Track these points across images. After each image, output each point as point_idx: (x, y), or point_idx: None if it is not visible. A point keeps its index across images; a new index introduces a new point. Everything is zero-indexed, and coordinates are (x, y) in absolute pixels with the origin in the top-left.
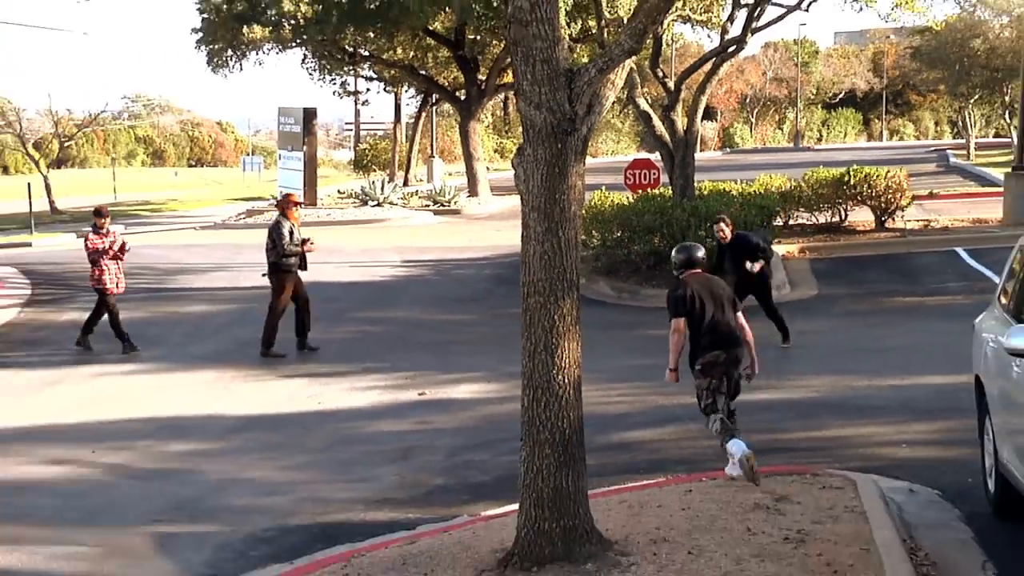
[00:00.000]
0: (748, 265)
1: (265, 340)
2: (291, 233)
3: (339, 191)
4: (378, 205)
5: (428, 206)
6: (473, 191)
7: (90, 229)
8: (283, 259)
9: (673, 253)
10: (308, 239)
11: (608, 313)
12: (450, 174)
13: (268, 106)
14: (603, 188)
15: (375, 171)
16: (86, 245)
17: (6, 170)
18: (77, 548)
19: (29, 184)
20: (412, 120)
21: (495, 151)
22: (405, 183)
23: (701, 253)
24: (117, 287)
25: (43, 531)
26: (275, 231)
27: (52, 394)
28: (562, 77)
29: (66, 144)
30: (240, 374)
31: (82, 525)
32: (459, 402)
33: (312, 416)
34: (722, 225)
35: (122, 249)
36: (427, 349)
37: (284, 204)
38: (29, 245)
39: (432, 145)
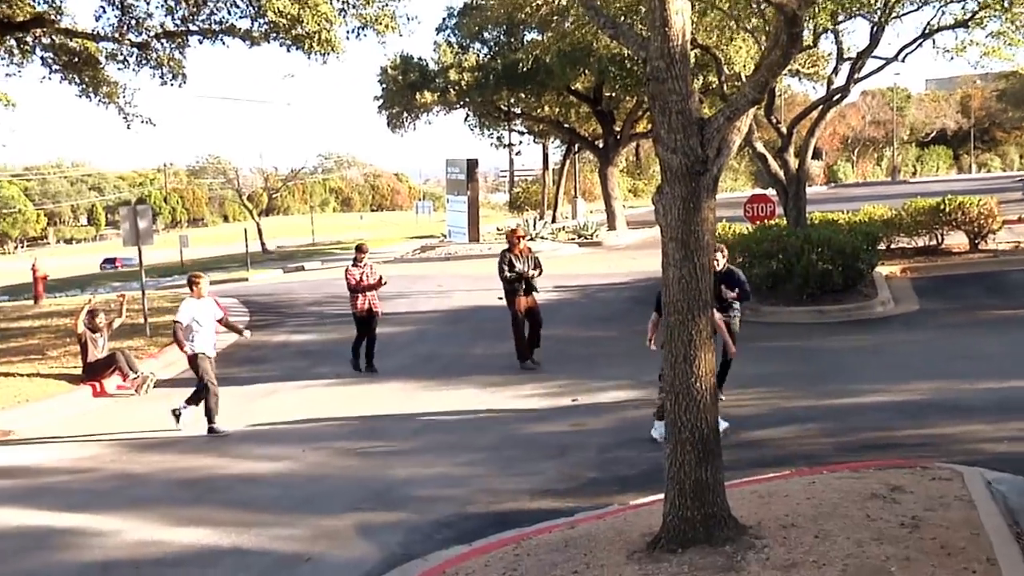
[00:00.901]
0: (723, 291)
1: (518, 352)
2: (510, 263)
3: (497, 228)
4: (531, 239)
5: (573, 239)
6: (612, 225)
7: (350, 263)
8: (507, 283)
9: None
10: (526, 270)
11: (773, 331)
12: (591, 211)
13: (436, 158)
14: (724, 220)
15: (527, 210)
16: (346, 277)
17: (226, 219)
18: (293, 531)
19: (245, 230)
20: (558, 166)
21: (629, 191)
22: (553, 220)
23: None
24: (371, 312)
25: (265, 516)
26: (499, 261)
27: (270, 403)
28: (694, 125)
29: (273, 196)
30: (421, 385)
31: (296, 512)
32: (607, 406)
33: (482, 419)
34: (718, 256)
35: (379, 282)
36: (578, 361)
37: (509, 236)
38: (246, 280)
39: (575, 187)
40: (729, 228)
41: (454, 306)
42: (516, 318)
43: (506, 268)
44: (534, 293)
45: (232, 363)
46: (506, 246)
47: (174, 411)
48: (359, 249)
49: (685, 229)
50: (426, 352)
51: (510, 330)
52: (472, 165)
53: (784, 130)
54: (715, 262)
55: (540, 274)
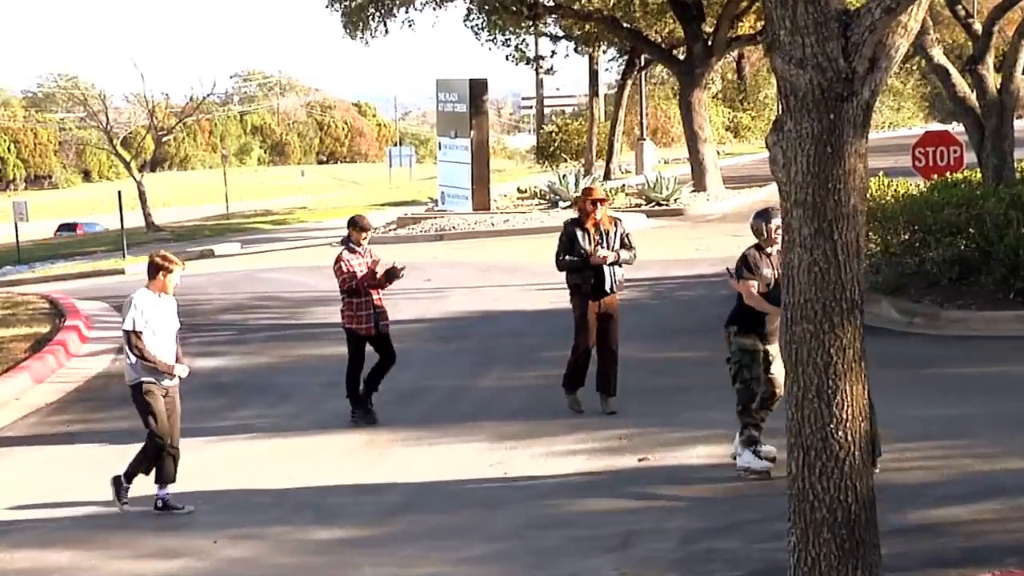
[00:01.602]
0: None
1: (567, 380)
2: (569, 242)
3: (519, 190)
4: (571, 207)
5: (639, 206)
6: (699, 184)
7: (342, 245)
8: (568, 273)
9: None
10: (597, 253)
11: (895, 345)
12: (666, 162)
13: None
14: (881, 174)
15: (565, 161)
16: (339, 268)
17: (88, 175)
18: None
19: (119, 193)
20: (614, 91)
21: (727, 129)
22: (606, 176)
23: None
24: (380, 324)
25: None
26: (560, 239)
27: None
28: (834, 23)
29: (163, 139)
30: (398, 436)
31: None
32: (694, 469)
33: (497, 490)
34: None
35: (391, 274)
36: (646, 398)
37: (580, 203)
38: (121, 272)
39: (641, 124)
40: (889, 186)
41: (450, 313)
42: (580, 332)
43: (562, 252)
44: (614, 293)
45: (104, 403)
46: (573, 215)
47: (116, 482)
48: (357, 225)
49: (819, 188)
50: (407, 385)
51: (545, 350)
52: (478, 89)
53: (978, 28)
54: (598, 211)
55: (631, 260)
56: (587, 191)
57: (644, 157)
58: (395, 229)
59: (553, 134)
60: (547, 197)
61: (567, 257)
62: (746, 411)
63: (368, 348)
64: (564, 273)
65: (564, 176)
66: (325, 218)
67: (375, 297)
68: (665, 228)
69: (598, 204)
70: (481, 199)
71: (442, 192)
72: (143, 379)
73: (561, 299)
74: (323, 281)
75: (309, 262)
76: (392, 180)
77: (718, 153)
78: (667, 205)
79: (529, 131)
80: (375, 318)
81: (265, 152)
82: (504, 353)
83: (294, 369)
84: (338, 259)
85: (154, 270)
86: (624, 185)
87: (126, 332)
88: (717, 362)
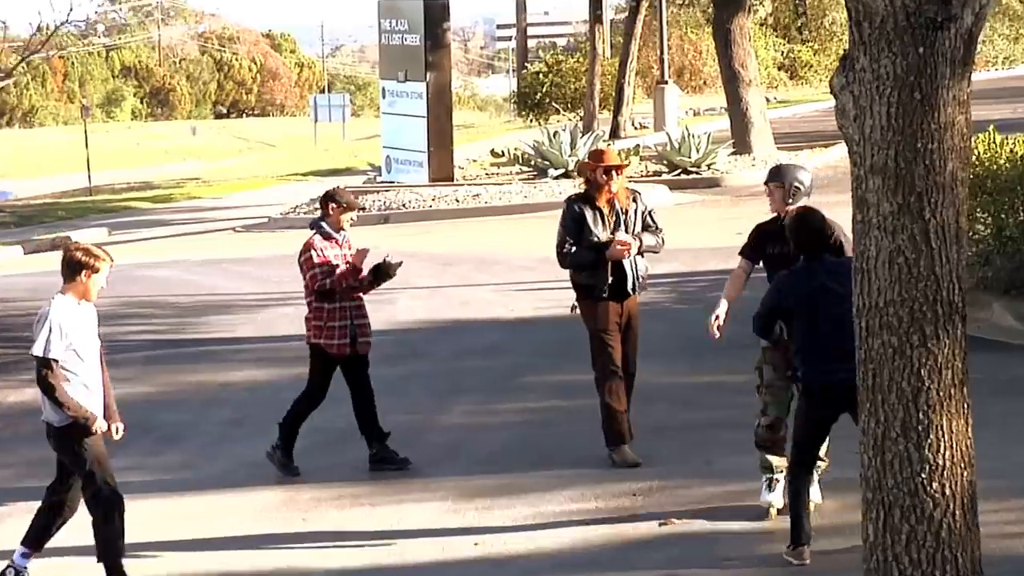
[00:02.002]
0: None
1: (609, 429)
2: (575, 225)
3: (493, 153)
4: (565, 175)
5: (659, 174)
6: (741, 143)
7: (313, 229)
8: (576, 271)
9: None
10: (624, 238)
11: (1010, 363)
12: (696, 113)
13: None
14: (992, 128)
15: (557, 114)
16: (308, 259)
17: None
18: None
19: None
20: (624, 16)
21: (780, 68)
22: (614, 133)
23: None
24: (357, 343)
25: None
26: (560, 221)
27: None
28: None
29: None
30: (328, 493)
31: None
32: (738, 537)
33: (469, 570)
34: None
35: (380, 272)
36: (670, 438)
37: (588, 168)
38: None
39: (662, 62)
40: (1001, 145)
41: (399, 323)
42: (601, 354)
43: (568, 239)
44: (636, 294)
45: None
46: (578, 191)
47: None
48: (336, 200)
49: (903, 148)
50: (339, 423)
51: (530, 373)
52: (437, 14)
53: None
54: (613, 182)
55: (658, 247)
56: (597, 154)
57: (666, 107)
58: (319, 209)
59: (540, 76)
60: (532, 163)
61: (574, 248)
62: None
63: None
64: (569, 271)
65: (556, 134)
66: (226, 193)
67: (355, 303)
68: (695, 204)
69: (613, 173)
70: (442, 166)
71: (387, 157)
72: (76, 415)
73: (553, 303)
74: (224, 280)
75: (205, 254)
76: (319, 140)
77: (768, 101)
78: (698, 172)
79: (507, 72)
80: (352, 332)
81: (142, 102)
82: (474, 379)
83: (185, 402)
84: (307, 247)
85: (74, 268)
86: (638, 146)
87: (38, 361)
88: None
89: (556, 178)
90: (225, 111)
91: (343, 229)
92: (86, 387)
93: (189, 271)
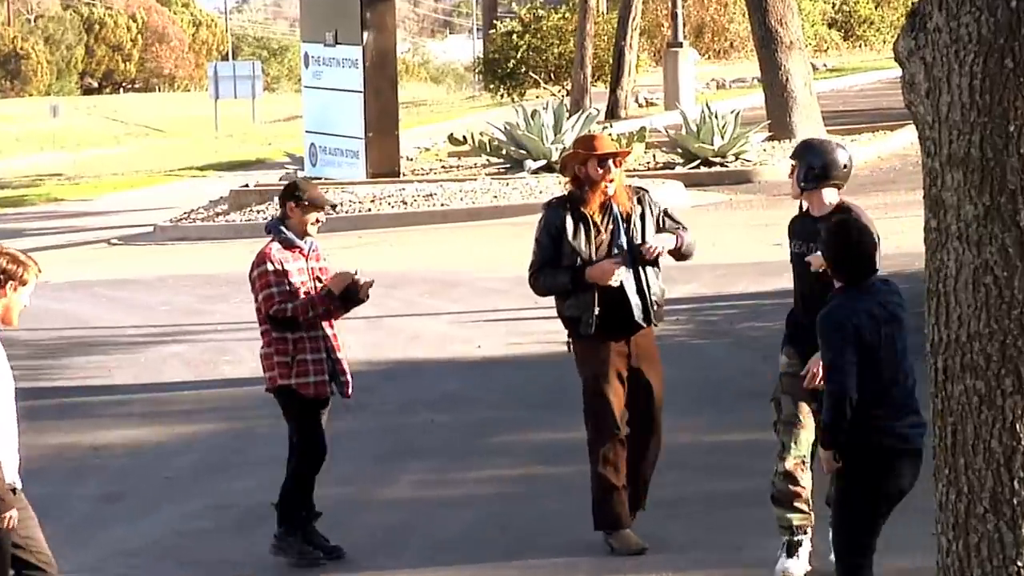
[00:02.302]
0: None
1: (596, 511)
2: (553, 237)
3: (451, 138)
4: (547, 168)
5: (670, 166)
6: (780, 125)
7: (271, 235)
8: (561, 300)
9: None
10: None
11: None
12: (720, 85)
13: None
14: None
15: (536, 86)
16: (262, 275)
17: None
18: None
19: None
20: None
21: (830, 24)
22: (611, 113)
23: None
24: (337, 382)
25: None
26: (537, 232)
27: None
28: None
29: None
30: None
31: None
32: None
33: None
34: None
35: (351, 293)
36: (686, 514)
37: (576, 162)
38: None
39: (674, 19)
40: None
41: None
42: (594, 413)
43: (540, 259)
44: (651, 326)
45: None
46: (559, 194)
47: None
48: (301, 197)
49: (991, 132)
50: (248, 500)
51: (503, 431)
52: None
53: None
54: (612, 177)
55: (686, 248)
56: (586, 141)
57: (680, 78)
58: (226, 213)
59: (514, 37)
60: (504, 152)
61: (545, 270)
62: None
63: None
64: (554, 299)
65: (535, 114)
66: (98, 194)
67: (328, 332)
68: (719, 206)
69: (610, 164)
70: (384, 157)
71: (312, 145)
72: None
73: (532, 338)
74: (96, 308)
75: (70, 274)
76: (221, 123)
77: (815, 69)
78: (722, 164)
79: (470, 32)
80: (330, 368)
81: None
82: (428, 439)
83: (45, 471)
84: (262, 259)
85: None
86: (644, 129)
87: None
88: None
89: (535, 172)
90: (96, 85)
91: (308, 235)
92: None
93: (49, 297)
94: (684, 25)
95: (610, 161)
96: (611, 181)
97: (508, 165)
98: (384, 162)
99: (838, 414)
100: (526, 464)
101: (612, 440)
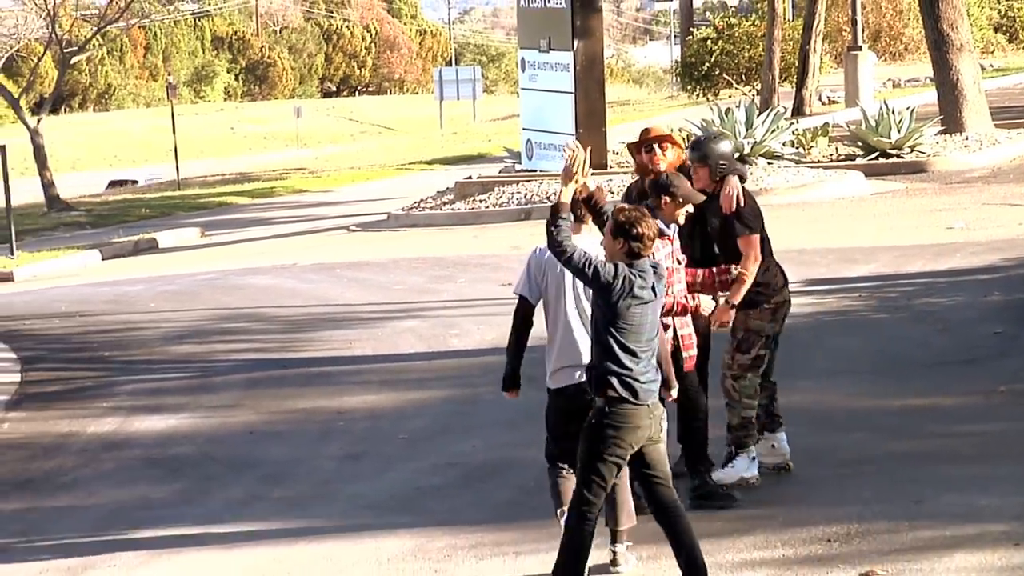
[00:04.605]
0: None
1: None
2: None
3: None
4: (739, 160)
5: (852, 157)
6: (952, 120)
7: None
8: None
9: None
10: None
11: None
12: (896, 84)
13: None
14: None
15: (729, 87)
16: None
17: None
18: None
19: (2, 149)
20: None
21: (996, 29)
22: (798, 110)
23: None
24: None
25: None
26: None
27: None
28: None
29: (72, 61)
30: (466, 541)
31: None
32: None
33: None
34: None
35: (715, 279)
36: (869, 471)
37: (631, 152)
38: (9, 279)
39: (854, 24)
40: None
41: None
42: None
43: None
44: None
45: None
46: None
47: None
48: (672, 194)
49: None
50: (476, 456)
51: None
52: None
53: None
54: (659, 159)
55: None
56: (641, 133)
57: (859, 78)
58: (452, 202)
59: (708, 43)
60: None
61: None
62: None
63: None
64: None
65: (728, 112)
66: (337, 186)
67: (686, 333)
68: (896, 194)
69: (656, 148)
70: (593, 151)
71: (528, 141)
72: None
73: None
74: (338, 288)
75: (314, 257)
76: (445, 122)
77: (983, 69)
78: (899, 155)
79: (668, 39)
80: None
81: (237, 79)
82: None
83: (294, 433)
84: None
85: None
86: (827, 124)
87: None
88: (995, 412)
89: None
90: (334, 89)
91: (677, 222)
92: None
93: (296, 278)
94: (863, 30)
95: (655, 145)
96: (658, 162)
97: None
98: (593, 156)
99: None
100: None
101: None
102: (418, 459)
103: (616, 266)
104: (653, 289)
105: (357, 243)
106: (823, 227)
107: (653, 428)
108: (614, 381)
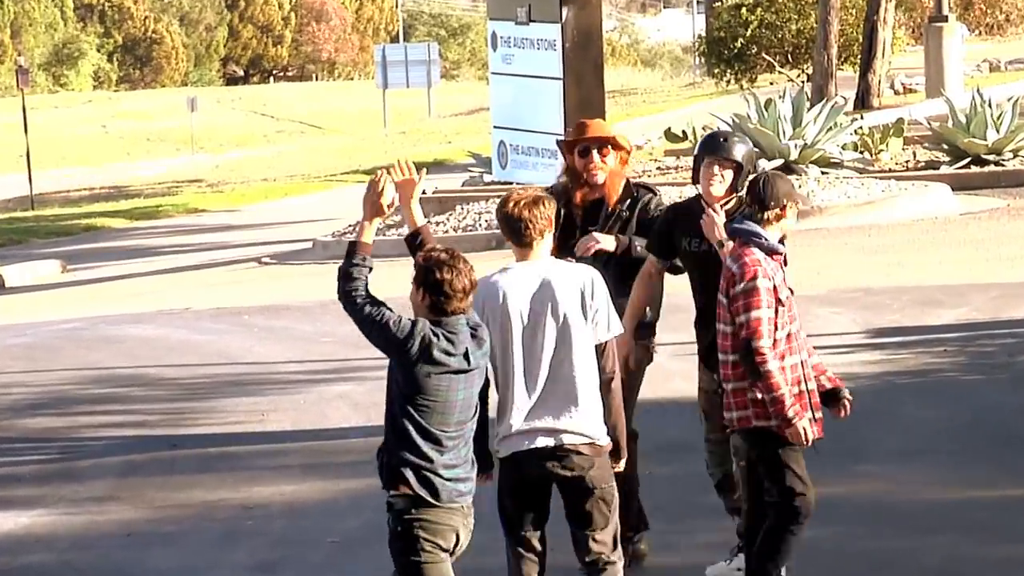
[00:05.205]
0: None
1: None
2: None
3: (668, 134)
4: (785, 169)
5: (936, 165)
6: None
7: (745, 239)
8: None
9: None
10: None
11: None
12: (994, 67)
13: None
14: None
15: (770, 71)
16: (752, 291)
17: None
18: None
19: None
20: None
21: None
22: (863, 100)
23: None
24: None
25: None
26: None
27: None
28: None
29: None
30: None
31: None
32: None
33: None
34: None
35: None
36: None
37: (561, 150)
38: None
39: None
40: None
41: None
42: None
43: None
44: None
45: None
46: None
47: None
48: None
49: None
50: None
51: None
52: None
53: None
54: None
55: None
56: (577, 129)
57: (945, 59)
58: (399, 225)
59: (743, 12)
60: None
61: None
62: None
63: None
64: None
65: (769, 103)
66: (245, 204)
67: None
68: (994, 213)
69: (594, 153)
70: None
71: (501, 143)
72: None
73: None
74: (246, 340)
75: (214, 299)
76: (391, 117)
77: None
78: (997, 163)
79: (688, 6)
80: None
81: (111, 61)
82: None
83: (186, 536)
84: (748, 268)
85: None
86: (901, 121)
87: None
88: None
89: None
90: (241, 73)
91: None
92: None
93: (189, 328)
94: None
95: (594, 149)
96: (595, 173)
97: None
98: None
99: None
100: None
101: None
102: (353, 571)
103: (414, 323)
104: (466, 356)
105: (272, 280)
106: (896, 258)
107: (463, 538)
108: (408, 474)
